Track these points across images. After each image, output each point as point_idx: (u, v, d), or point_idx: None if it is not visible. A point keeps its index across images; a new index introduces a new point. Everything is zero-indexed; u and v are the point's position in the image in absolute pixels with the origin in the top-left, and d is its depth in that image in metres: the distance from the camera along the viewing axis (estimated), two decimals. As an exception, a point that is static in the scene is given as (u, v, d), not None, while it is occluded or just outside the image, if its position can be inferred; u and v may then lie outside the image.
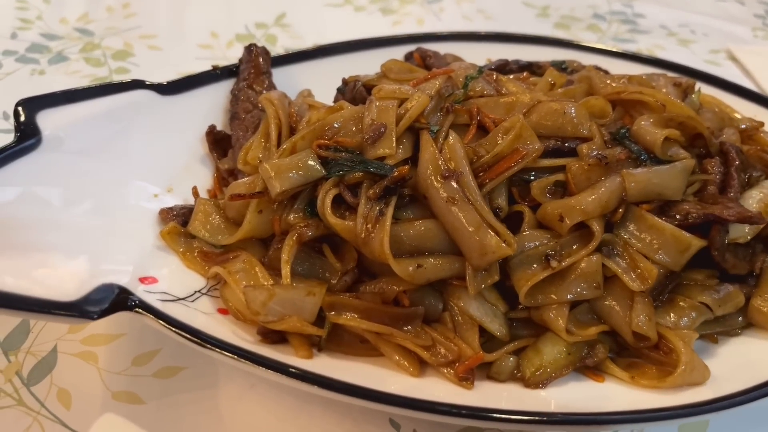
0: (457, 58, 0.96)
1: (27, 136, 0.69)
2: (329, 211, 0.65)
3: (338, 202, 0.67)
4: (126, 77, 1.10)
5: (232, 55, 1.19)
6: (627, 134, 0.71)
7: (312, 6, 1.34)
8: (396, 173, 0.65)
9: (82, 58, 1.14)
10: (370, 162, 0.67)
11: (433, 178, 0.65)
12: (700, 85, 0.96)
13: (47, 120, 0.72)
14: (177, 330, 0.59)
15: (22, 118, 0.70)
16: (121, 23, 1.24)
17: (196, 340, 0.58)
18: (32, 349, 0.69)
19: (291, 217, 0.67)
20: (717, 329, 0.69)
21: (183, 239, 0.71)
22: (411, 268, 0.63)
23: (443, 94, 0.74)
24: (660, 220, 0.66)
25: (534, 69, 0.89)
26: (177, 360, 0.68)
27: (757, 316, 0.68)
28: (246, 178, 0.72)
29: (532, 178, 0.69)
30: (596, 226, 0.65)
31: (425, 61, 0.94)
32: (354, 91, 0.79)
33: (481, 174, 0.67)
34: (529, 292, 0.64)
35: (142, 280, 0.65)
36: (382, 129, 0.68)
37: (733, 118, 0.91)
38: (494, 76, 0.78)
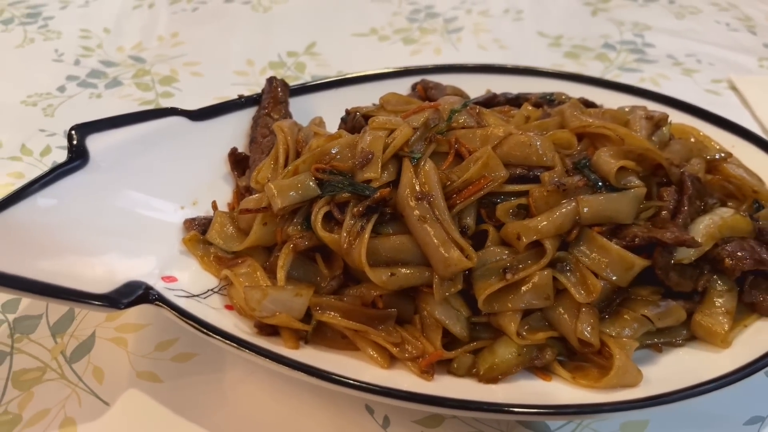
0: (456, 90, 1.06)
1: (77, 157, 0.83)
2: (320, 225, 0.76)
3: (330, 218, 0.79)
4: (170, 101, 1.25)
5: (264, 81, 1.32)
6: (587, 164, 0.80)
7: (340, 35, 1.47)
8: (377, 195, 0.76)
9: (134, 83, 1.29)
10: (356, 184, 0.78)
11: (408, 199, 0.76)
12: (684, 115, 1.06)
13: (95, 143, 0.86)
14: (188, 321, 0.71)
15: (75, 141, 0.84)
16: (169, 51, 1.40)
17: (203, 330, 0.71)
18: (75, 333, 0.83)
19: (290, 229, 0.79)
20: (661, 340, 0.77)
21: (202, 246, 0.84)
22: (384, 276, 0.73)
23: (430, 125, 0.85)
24: (608, 241, 0.75)
25: (521, 101, 0.98)
26: (191, 347, 0.81)
27: (698, 329, 0.76)
28: (255, 195, 0.84)
29: (499, 201, 0.79)
30: (549, 245, 0.74)
31: (427, 93, 1.05)
32: (354, 121, 0.91)
33: (453, 196, 0.78)
34: (487, 300, 0.74)
35: (165, 279, 0.78)
36: (370, 156, 0.80)
37: (708, 147, 0.98)
38: (477, 109, 0.88)
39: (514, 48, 1.44)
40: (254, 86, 1.27)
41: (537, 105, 0.98)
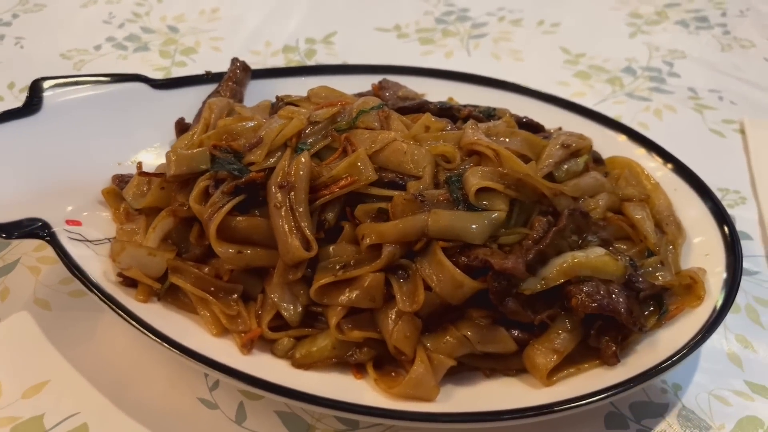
0: (409, 93, 1.08)
1: (30, 105, 0.95)
2: (195, 196, 0.83)
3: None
4: (181, 70, 1.36)
5: (274, 63, 1.40)
6: (458, 180, 0.81)
7: (363, 28, 1.51)
8: (248, 177, 0.82)
9: (159, 50, 1.42)
10: (237, 164, 0.84)
11: (274, 185, 0.81)
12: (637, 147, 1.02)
13: (53, 97, 0.98)
14: (62, 257, 0.81)
15: (32, 91, 0.97)
16: (203, 25, 1.51)
17: (68, 266, 0.80)
18: (5, 256, 0.95)
19: (179, 196, 0.87)
20: (491, 366, 0.77)
21: (117, 199, 0.94)
22: (232, 251, 0.79)
23: (336, 121, 0.89)
24: (444, 257, 0.75)
25: (453, 112, 0.99)
26: (87, 286, 0.91)
27: (526, 361, 0.75)
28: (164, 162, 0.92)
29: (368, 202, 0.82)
30: (387, 250, 0.76)
31: (380, 92, 1.08)
32: (278, 107, 0.96)
33: (322, 190, 0.82)
34: (320, 291, 0.77)
35: (69, 222, 0.89)
36: (259, 141, 0.85)
37: (641, 183, 0.94)
38: (387, 113, 0.91)
39: (528, 61, 1.41)
40: (262, 66, 1.35)
41: (476, 119, 0.98)
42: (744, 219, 1.04)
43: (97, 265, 0.84)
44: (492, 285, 0.74)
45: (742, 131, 1.21)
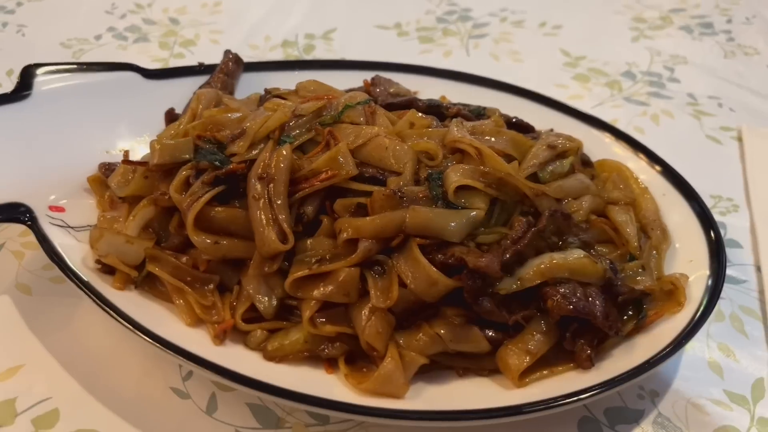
0: (408, 92, 1.08)
1: (19, 91, 0.96)
2: (175, 185, 0.83)
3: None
4: (179, 62, 1.36)
5: (272, 57, 1.40)
6: (439, 177, 0.80)
7: (364, 25, 1.51)
8: (228, 168, 0.81)
9: (158, 41, 1.43)
10: (218, 155, 0.84)
11: (254, 177, 0.80)
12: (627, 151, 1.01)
13: (43, 83, 0.98)
14: (42, 243, 0.81)
15: (23, 77, 0.97)
16: (204, 18, 1.52)
17: (47, 251, 0.80)
18: (-8, 240, 0.96)
19: (162, 185, 0.87)
20: (464, 365, 0.76)
21: (102, 187, 0.94)
22: (209, 242, 0.79)
23: (322, 115, 0.89)
24: (419, 254, 0.75)
25: (443, 110, 0.98)
26: (68, 272, 0.91)
27: (499, 361, 0.75)
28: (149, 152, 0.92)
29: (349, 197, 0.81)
30: (363, 245, 0.76)
31: (372, 88, 1.08)
32: (266, 100, 0.96)
33: (302, 183, 0.81)
34: (295, 284, 0.77)
35: (52, 207, 0.89)
36: (242, 132, 0.85)
37: (630, 188, 0.93)
38: (373, 109, 0.90)
39: (527, 62, 1.40)
40: (259, 60, 1.35)
41: (465, 117, 0.98)
42: (735, 227, 1.03)
43: (77, 251, 0.84)
44: (466, 283, 0.73)
45: (740, 139, 1.20)
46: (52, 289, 0.89)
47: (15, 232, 0.97)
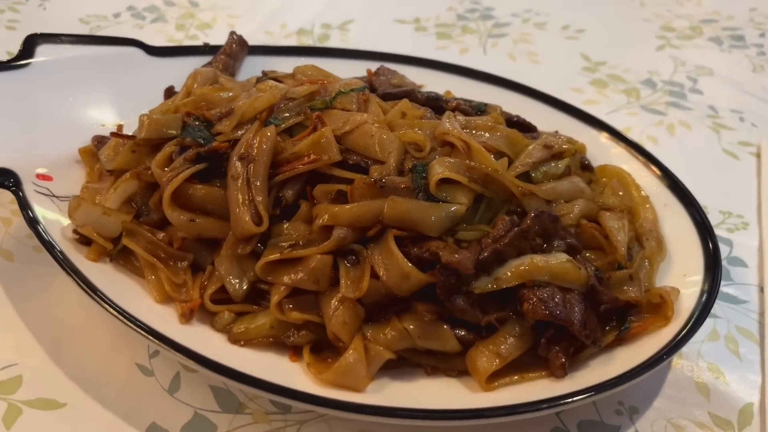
0: (402, 81, 1.06)
1: (20, 58, 0.96)
2: (157, 160, 0.82)
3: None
4: (192, 43, 1.36)
5: (285, 44, 1.39)
6: (423, 169, 0.78)
7: (382, 18, 1.49)
8: (211, 146, 0.80)
9: (175, 23, 1.43)
10: (203, 133, 0.83)
11: (235, 156, 0.79)
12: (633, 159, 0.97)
13: (45, 52, 0.99)
14: (23, 210, 0.81)
15: (25, 45, 0.97)
16: (223, 2, 1.51)
17: (25, 216, 0.80)
18: (-16, 208, 0.97)
19: (147, 160, 0.86)
20: (433, 364, 0.73)
21: (93, 159, 0.94)
22: (184, 219, 0.78)
23: (314, 99, 0.87)
24: (394, 246, 0.72)
25: (441, 103, 0.95)
26: (51, 242, 0.91)
27: (468, 362, 0.72)
28: (139, 126, 0.92)
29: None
30: (337, 233, 0.73)
31: (375, 78, 1.05)
32: (261, 82, 0.95)
33: (284, 166, 0.80)
34: (266, 268, 0.75)
35: (39, 176, 0.89)
36: (230, 112, 0.84)
37: (629, 194, 0.90)
38: (366, 96, 0.88)
39: (544, 64, 1.37)
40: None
41: (464, 112, 0.95)
42: (742, 245, 0.98)
43: (59, 221, 0.84)
44: (439, 279, 0.71)
45: (758, 155, 1.14)
46: (34, 257, 0.89)
47: (5, 198, 0.97)
